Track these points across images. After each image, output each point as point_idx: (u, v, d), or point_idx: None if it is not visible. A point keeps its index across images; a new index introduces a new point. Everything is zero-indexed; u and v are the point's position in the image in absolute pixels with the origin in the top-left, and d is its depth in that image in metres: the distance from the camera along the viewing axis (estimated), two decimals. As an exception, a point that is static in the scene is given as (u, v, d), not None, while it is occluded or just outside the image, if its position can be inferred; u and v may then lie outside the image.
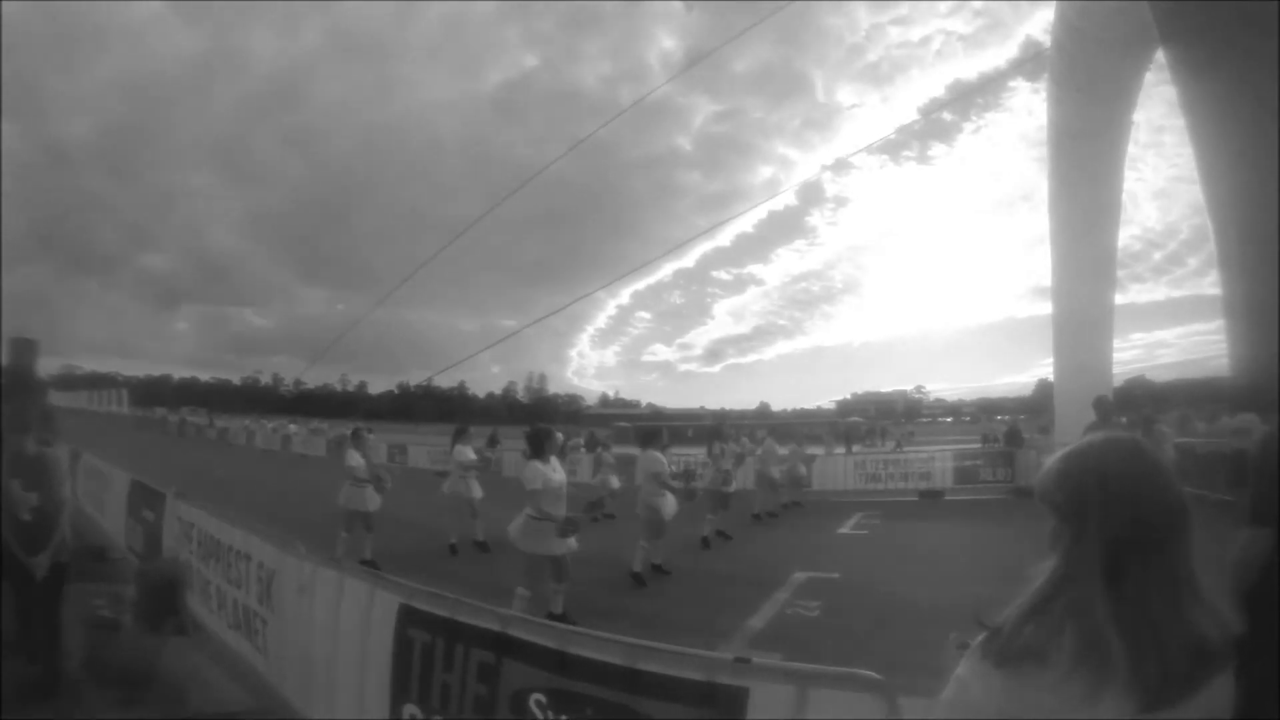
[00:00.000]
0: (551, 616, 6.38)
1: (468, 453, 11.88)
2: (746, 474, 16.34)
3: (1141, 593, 1.22)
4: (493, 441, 22.00)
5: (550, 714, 2.77)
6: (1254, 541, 2.37)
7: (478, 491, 11.55)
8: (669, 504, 9.57)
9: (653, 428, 11.12)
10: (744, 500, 15.20)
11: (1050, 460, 1.40)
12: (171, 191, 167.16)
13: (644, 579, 9.00)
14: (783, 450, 17.74)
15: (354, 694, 3.81)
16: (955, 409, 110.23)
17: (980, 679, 1.25)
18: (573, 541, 6.87)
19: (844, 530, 13.89)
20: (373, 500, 9.85)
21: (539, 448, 7.11)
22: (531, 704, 2.82)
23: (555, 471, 7.08)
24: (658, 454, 9.92)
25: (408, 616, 3.54)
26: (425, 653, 3.37)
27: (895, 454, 23.47)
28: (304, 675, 4.43)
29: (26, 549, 4.65)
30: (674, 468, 12.61)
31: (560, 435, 8.27)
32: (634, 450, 12.38)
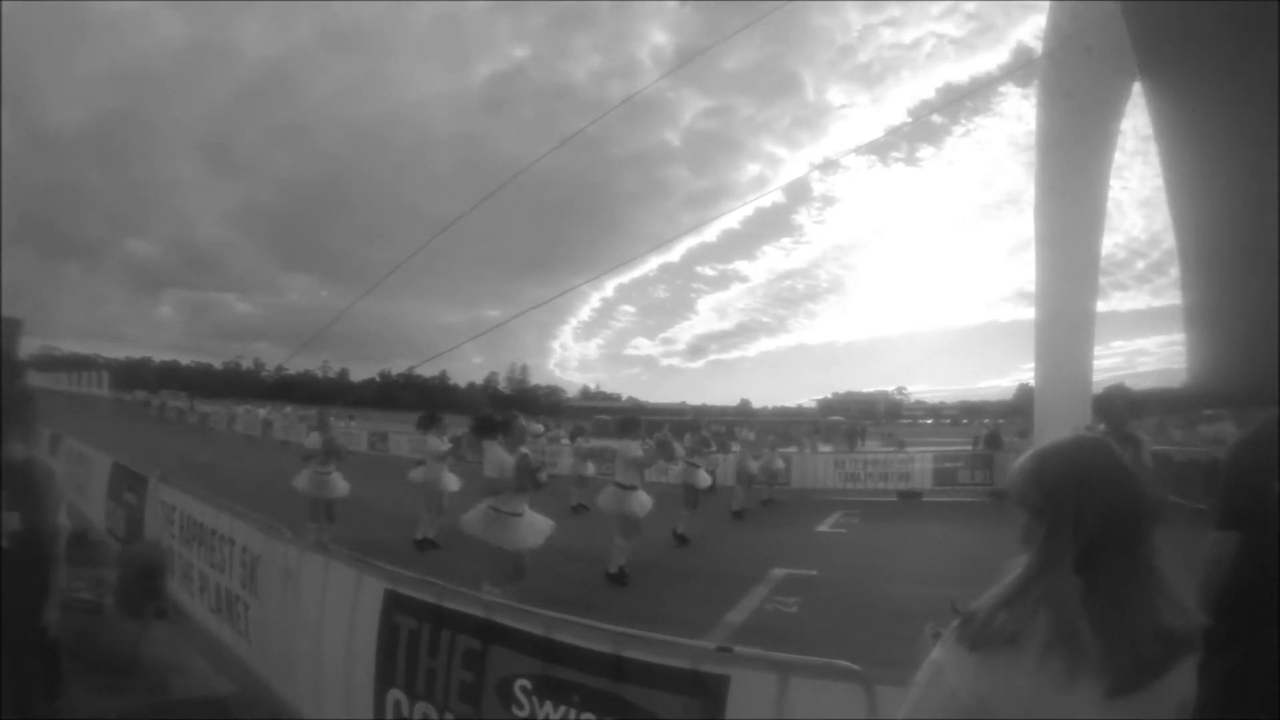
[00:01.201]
0: None
1: (440, 442, 11.41)
2: (726, 472, 16.48)
3: (1112, 583, 1.28)
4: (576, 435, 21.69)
5: (536, 700, 2.82)
6: (1221, 544, 2.45)
7: (452, 484, 11.09)
8: (640, 501, 9.41)
9: (632, 418, 11.09)
10: (722, 497, 15.32)
11: (1021, 460, 1.46)
12: (158, 178, 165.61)
13: (623, 578, 8.86)
14: (762, 446, 17.90)
15: (338, 679, 3.84)
16: (936, 411, 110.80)
17: (954, 662, 1.31)
18: (541, 530, 6.79)
19: (823, 528, 14.02)
20: (337, 487, 9.67)
21: (499, 432, 6.97)
22: (517, 690, 2.87)
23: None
24: (634, 442, 9.84)
25: (394, 602, 3.57)
26: (411, 639, 3.40)
27: (896, 453, 23.46)
28: (287, 660, 4.45)
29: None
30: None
31: (524, 421, 7.97)
32: (613, 443, 12.38)
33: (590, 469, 15.69)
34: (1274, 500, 2.27)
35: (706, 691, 2.43)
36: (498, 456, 6.68)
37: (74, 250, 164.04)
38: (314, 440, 9.84)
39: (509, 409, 12.76)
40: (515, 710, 2.87)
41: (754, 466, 16.14)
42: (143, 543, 6.90)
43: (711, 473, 14.19)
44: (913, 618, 1.62)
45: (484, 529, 6.63)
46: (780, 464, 18.41)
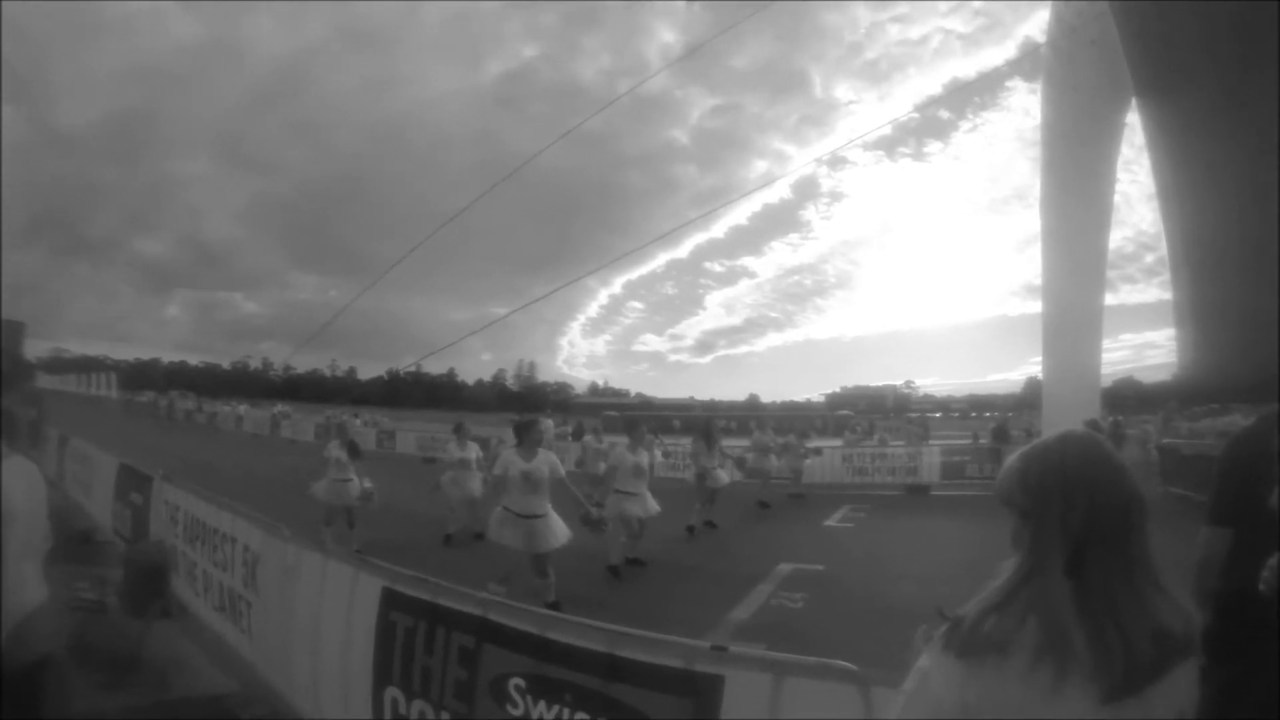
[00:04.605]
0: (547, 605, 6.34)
1: (470, 449, 11.73)
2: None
3: (1102, 584, 1.24)
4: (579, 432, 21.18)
5: (529, 699, 2.80)
6: (1213, 541, 2.40)
7: (477, 489, 11.23)
8: (642, 505, 9.46)
9: (634, 420, 11.09)
10: (735, 492, 15.25)
11: (1009, 460, 1.42)
12: (166, 177, 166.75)
13: (619, 571, 8.97)
14: (780, 440, 17.89)
15: (337, 676, 3.83)
16: (944, 405, 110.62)
17: (941, 670, 1.27)
18: (558, 534, 6.87)
19: (830, 523, 13.97)
20: (352, 494, 9.70)
21: (521, 437, 7.09)
22: (511, 688, 2.85)
23: (535, 462, 6.96)
24: (628, 450, 9.80)
25: (390, 600, 3.56)
26: (407, 636, 3.39)
27: (905, 447, 23.11)
28: (287, 658, 4.45)
29: None
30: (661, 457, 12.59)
31: (549, 423, 8.23)
32: (620, 440, 12.35)
33: (602, 467, 15.69)
34: (1268, 496, 2.20)
35: (700, 691, 2.40)
36: (549, 459, 7.07)
37: (83, 248, 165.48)
38: (338, 453, 9.83)
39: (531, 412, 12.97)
40: (509, 709, 2.85)
41: (770, 465, 16.39)
42: (147, 542, 6.91)
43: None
44: (919, 614, 1.59)
45: (498, 531, 6.84)
46: (808, 464, 18.44)
